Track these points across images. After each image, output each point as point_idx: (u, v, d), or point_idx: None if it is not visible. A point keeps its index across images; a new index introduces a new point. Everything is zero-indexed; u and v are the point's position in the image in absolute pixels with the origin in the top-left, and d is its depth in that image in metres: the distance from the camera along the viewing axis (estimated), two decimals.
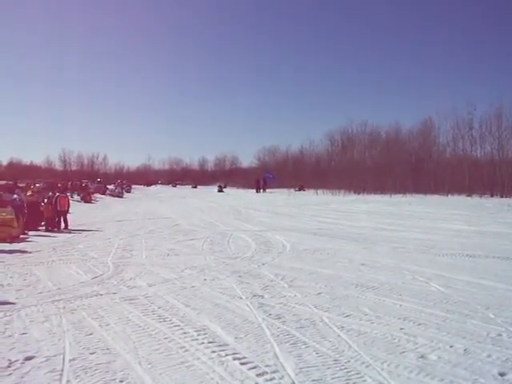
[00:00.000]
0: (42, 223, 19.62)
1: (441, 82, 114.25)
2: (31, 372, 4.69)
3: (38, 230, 18.70)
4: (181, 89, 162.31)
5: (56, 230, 19.03)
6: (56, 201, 19.87)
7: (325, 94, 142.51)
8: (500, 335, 5.58)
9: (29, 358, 5.01)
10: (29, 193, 20.79)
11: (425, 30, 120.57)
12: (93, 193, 51.14)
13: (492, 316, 6.35)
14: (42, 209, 19.74)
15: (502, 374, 4.48)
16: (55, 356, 5.08)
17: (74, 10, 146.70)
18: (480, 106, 49.19)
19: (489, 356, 4.92)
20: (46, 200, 20.24)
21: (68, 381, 4.47)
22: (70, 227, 19.65)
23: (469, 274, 9.18)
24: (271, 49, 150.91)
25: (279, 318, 6.41)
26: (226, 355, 5.04)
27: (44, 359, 4.99)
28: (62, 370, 4.70)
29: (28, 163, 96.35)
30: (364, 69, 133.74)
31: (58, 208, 19.73)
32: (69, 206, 20.79)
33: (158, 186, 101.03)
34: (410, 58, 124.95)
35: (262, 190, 62.42)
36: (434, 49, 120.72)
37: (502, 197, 38.60)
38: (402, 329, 5.87)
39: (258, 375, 4.52)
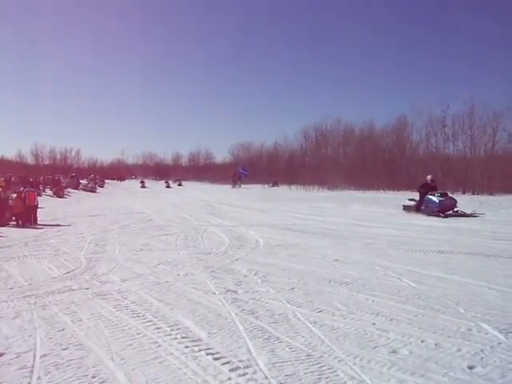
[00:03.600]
0: (13, 218, 19.33)
1: (415, 80, 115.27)
2: (1, 369, 4.62)
3: (7, 226, 18.40)
4: (155, 83, 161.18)
5: (28, 224, 18.78)
6: (25, 195, 19.62)
7: (299, 90, 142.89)
8: (470, 330, 5.65)
9: None
10: None
11: (399, 28, 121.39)
12: (65, 187, 50.62)
13: (462, 311, 6.44)
14: (11, 203, 19.47)
15: (470, 368, 4.55)
16: (26, 352, 5.02)
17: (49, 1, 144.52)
18: (453, 104, 49.70)
19: (459, 350, 5.00)
20: (14, 195, 19.98)
21: (39, 377, 4.42)
22: (38, 222, 19.41)
23: (440, 269, 9.29)
24: (248, 45, 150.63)
25: (252, 314, 6.42)
26: (199, 350, 5.03)
27: (14, 356, 4.93)
28: (33, 367, 4.65)
29: None
30: (339, 66, 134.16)
31: (27, 203, 19.47)
32: (37, 201, 20.50)
33: (132, 181, 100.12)
34: (385, 56, 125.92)
35: (237, 186, 62.55)
36: (408, 47, 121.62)
37: (474, 194, 39.13)
38: (374, 324, 5.92)
39: (230, 370, 4.52)
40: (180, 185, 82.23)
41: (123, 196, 46.19)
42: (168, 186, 77.66)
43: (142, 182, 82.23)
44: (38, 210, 20.34)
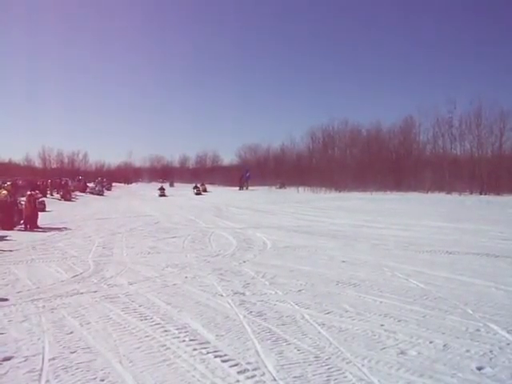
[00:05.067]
0: (21, 221, 19.35)
1: (421, 81, 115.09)
2: (9, 373, 4.63)
3: (13, 230, 18.37)
4: (162, 86, 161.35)
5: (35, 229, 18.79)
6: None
7: (306, 91, 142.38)
8: (478, 330, 5.65)
9: (7, 359, 4.95)
10: (3, 192, 20.48)
11: (406, 28, 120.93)
12: (73, 191, 50.75)
13: (470, 311, 6.43)
14: (21, 207, 19.52)
15: (479, 368, 4.55)
16: (34, 356, 5.04)
17: (53, 4, 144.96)
18: (460, 104, 49.73)
19: (467, 351, 4.99)
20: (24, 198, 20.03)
21: (47, 381, 4.43)
22: (45, 225, 19.39)
23: (448, 270, 9.28)
24: (253, 46, 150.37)
25: (260, 316, 6.42)
26: (208, 353, 5.04)
27: (23, 359, 4.94)
28: (42, 370, 4.66)
29: (6, 161, 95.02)
30: (346, 67, 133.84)
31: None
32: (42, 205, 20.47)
33: (139, 184, 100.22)
34: (392, 56, 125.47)
35: (244, 188, 62.51)
36: (415, 47, 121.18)
37: (481, 194, 39.08)
38: (382, 325, 5.91)
39: (239, 372, 4.53)
40: (205, 190, 59.73)
41: (130, 199, 46.24)
42: (198, 193, 55.79)
43: (162, 189, 55.84)
44: (46, 213, 20.32)
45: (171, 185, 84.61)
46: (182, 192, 59.81)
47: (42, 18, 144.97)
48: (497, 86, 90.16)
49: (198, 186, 59.48)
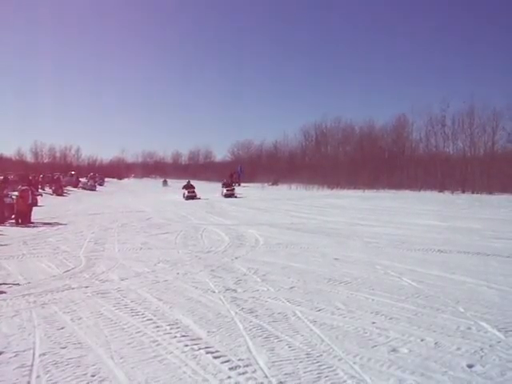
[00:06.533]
0: (12, 216, 19.26)
1: (415, 79, 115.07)
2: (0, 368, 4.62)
3: (4, 224, 18.29)
4: (154, 82, 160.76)
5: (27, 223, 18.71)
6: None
7: (299, 88, 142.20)
8: (469, 328, 5.66)
9: None
10: None
11: (399, 27, 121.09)
12: (65, 186, 50.59)
13: (462, 310, 6.44)
14: (11, 202, 19.43)
15: (470, 366, 4.55)
16: (25, 351, 5.02)
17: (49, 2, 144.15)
18: (453, 103, 49.82)
19: (458, 349, 5.00)
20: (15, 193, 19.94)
21: (38, 376, 4.42)
22: (37, 220, 19.34)
23: (440, 268, 9.29)
24: (247, 44, 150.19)
25: (252, 312, 6.41)
26: (199, 349, 5.03)
27: (13, 354, 4.92)
28: (32, 366, 4.64)
29: None
30: (339, 64, 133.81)
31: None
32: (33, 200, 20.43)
33: (132, 180, 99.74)
34: (385, 55, 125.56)
35: (236, 185, 62.40)
36: (409, 46, 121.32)
37: (473, 193, 39.11)
38: (373, 323, 5.92)
39: (230, 369, 4.52)
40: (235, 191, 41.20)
41: (123, 195, 46.11)
42: (230, 194, 39.19)
43: (190, 188, 38.52)
44: (37, 208, 20.27)
45: (165, 183, 73.89)
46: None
47: (35, 15, 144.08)
48: (490, 86, 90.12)
49: (229, 182, 44.21)
